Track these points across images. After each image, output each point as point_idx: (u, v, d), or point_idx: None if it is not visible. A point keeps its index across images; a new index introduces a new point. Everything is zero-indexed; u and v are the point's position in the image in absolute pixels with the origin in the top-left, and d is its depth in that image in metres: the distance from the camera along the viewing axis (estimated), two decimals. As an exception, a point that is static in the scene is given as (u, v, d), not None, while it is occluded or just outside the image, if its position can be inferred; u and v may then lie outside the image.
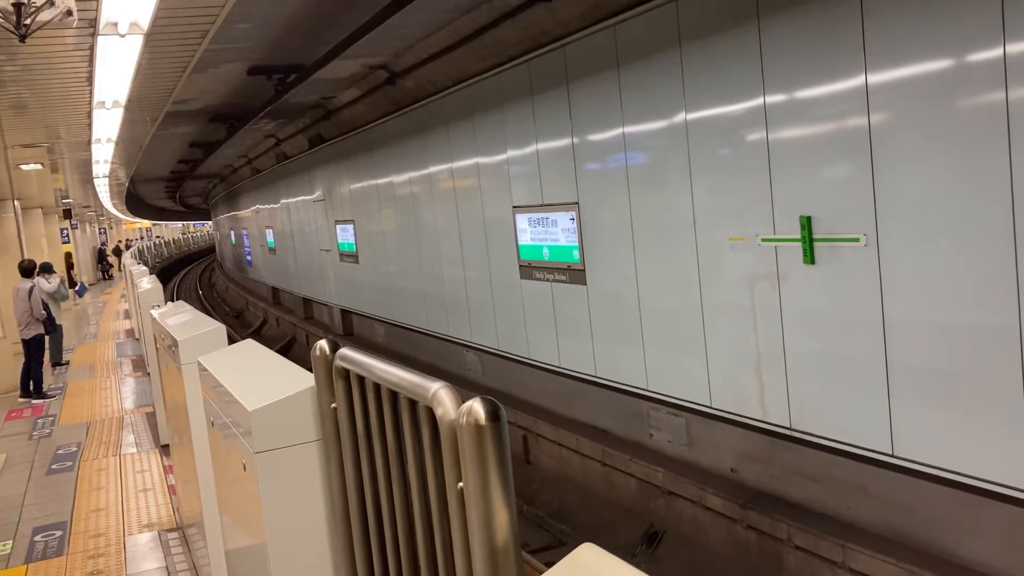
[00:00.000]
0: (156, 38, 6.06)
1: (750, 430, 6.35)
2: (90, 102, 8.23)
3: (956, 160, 4.59)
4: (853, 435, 5.46)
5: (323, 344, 2.32)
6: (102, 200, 25.84)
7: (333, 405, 2.30)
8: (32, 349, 11.26)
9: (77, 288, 27.18)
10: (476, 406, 1.50)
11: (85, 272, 33.37)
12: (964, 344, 4.70)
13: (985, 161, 4.43)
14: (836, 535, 5.63)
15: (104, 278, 37.95)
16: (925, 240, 4.81)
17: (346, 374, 2.21)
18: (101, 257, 39.32)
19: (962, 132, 4.53)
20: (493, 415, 1.49)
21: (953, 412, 4.82)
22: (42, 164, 13.55)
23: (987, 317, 4.56)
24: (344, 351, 2.21)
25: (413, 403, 1.84)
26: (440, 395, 1.67)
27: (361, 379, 2.12)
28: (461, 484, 1.58)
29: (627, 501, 7.70)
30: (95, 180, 17.94)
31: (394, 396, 1.95)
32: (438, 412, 1.66)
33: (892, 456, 5.19)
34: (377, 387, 2.03)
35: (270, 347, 3.39)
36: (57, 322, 13.72)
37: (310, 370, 2.46)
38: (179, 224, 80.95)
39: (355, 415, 2.20)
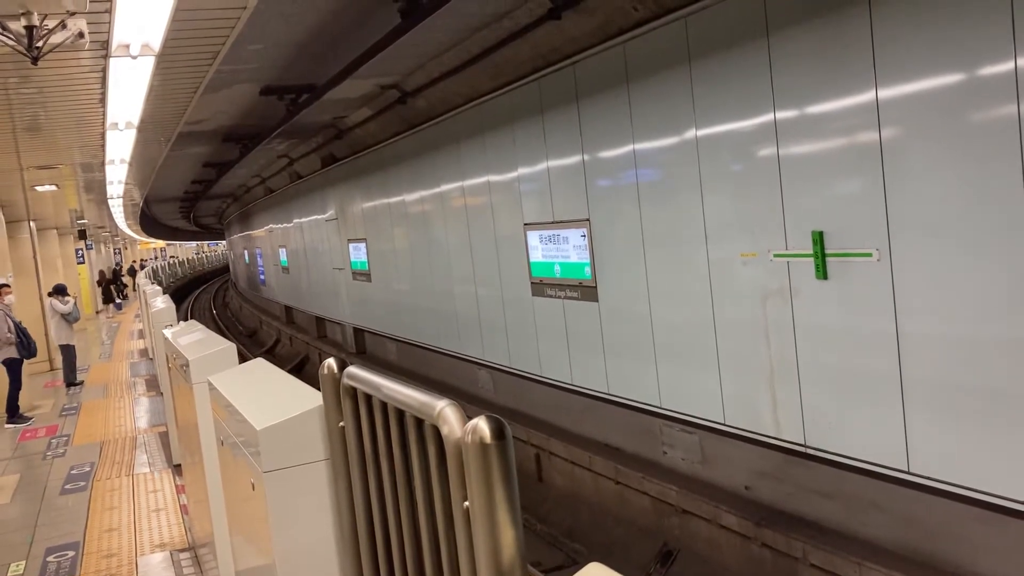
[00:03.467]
0: (168, 59, 6.11)
1: (764, 447, 6.30)
2: (103, 123, 8.29)
3: (968, 174, 4.56)
4: (868, 451, 5.41)
5: (331, 363, 2.32)
6: (117, 221, 26.01)
7: (341, 424, 2.30)
8: (8, 372, 11.19)
9: (117, 303, 29.03)
10: (481, 424, 1.49)
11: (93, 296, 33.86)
12: (981, 358, 4.66)
13: (997, 174, 4.40)
14: (852, 552, 5.57)
15: (119, 298, 38.17)
16: (938, 254, 4.78)
17: (354, 393, 2.20)
18: (116, 277, 39.59)
19: (974, 146, 4.51)
20: (498, 433, 1.48)
21: (971, 428, 4.76)
22: (57, 185, 13.65)
23: (1003, 330, 4.52)
24: (352, 369, 2.21)
25: (420, 421, 1.83)
26: (446, 413, 1.66)
27: (368, 398, 2.12)
28: (467, 503, 1.57)
29: (641, 519, 7.65)
30: (110, 201, 18.06)
31: (401, 415, 1.95)
32: (444, 430, 1.65)
33: (908, 473, 5.14)
34: (384, 406, 2.02)
35: (283, 366, 3.40)
36: (70, 343, 13.78)
37: (320, 389, 2.45)
38: (193, 244, 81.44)
39: (363, 434, 2.19)
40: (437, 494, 1.78)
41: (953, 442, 4.87)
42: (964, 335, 4.72)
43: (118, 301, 32.59)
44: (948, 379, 4.84)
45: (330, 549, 2.42)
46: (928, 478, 5.03)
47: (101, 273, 32.51)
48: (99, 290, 31.45)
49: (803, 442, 5.88)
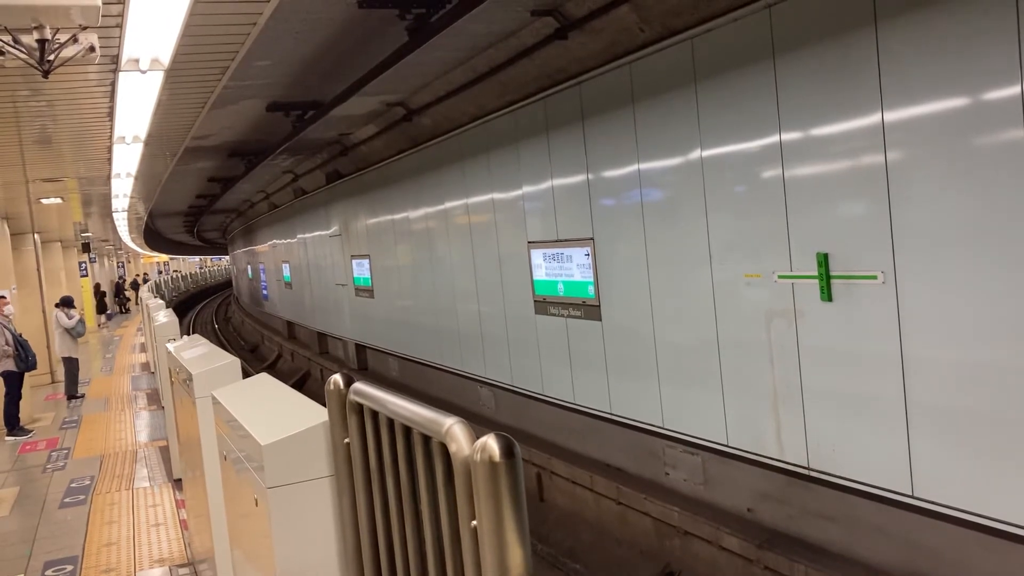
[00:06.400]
0: (177, 74, 6.14)
1: (767, 469, 6.27)
2: (111, 137, 8.33)
3: (974, 197, 4.56)
4: (871, 475, 5.38)
5: (337, 378, 2.31)
6: (120, 234, 26.06)
7: (346, 440, 2.29)
8: (5, 384, 11.18)
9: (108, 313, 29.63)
10: (490, 442, 1.49)
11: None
12: (986, 383, 4.64)
13: (1004, 198, 4.41)
14: (855, 577, 5.54)
15: (121, 311, 38.24)
16: (944, 278, 4.77)
17: (360, 409, 2.19)
18: (119, 290, 39.70)
19: (980, 169, 4.51)
20: (507, 451, 1.47)
21: (976, 453, 4.74)
22: (62, 198, 13.68)
23: (1009, 354, 4.51)
24: (358, 385, 2.20)
25: (427, 439, 1.83)
26: (454, 431, 1.65)
27: (375, 414, 2.11)
28: (475, 522, 1.56)
29: (642, 540, 7.60)
30: (114, 214, 18.11)
31: (407, 431, 1.94)
32: (452, 448, 1.64)
33: (911, 497, 5.11)
34: (391, 422, 2.02)
35: (284, 381, 3.38)
36: (73, 355, 13.77)
37: (324, 404, 2.44)
38: (196, 259, 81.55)
39: (368, 450, 2.18)
40: (444, 512, 1.76)
41: (957, 466, 4.84)
42: (969, 359, 4.71)
43: (109, 312, 32.84)
44: (953, 403, 4.82)
45: (333, 567, 2.41)
46: (932, 502, 5.00)
47: (97, 285, 32.73)
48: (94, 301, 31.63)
49: (806, 464, 5.85)
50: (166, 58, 5.45)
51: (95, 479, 8.42)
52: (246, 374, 4.20)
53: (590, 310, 8.20)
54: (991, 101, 4.42)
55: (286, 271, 23.42)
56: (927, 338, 4.92)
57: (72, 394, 13.73)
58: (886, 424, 5.20)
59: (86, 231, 21.73)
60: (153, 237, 35.49)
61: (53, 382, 16.08)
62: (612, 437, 8.32)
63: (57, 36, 3.93)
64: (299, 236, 20.89)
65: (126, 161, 10.16)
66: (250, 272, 32.64)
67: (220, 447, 3.39)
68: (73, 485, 8.28)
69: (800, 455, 5.88)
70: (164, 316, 9.79)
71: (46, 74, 3.98)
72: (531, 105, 8.71)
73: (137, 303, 34.91)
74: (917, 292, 4.93)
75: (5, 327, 11.24)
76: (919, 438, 5.03)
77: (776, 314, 5.94)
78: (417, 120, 11.18)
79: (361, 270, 15.62)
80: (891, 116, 4.92)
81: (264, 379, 3.54)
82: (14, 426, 11.16)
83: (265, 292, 28.50)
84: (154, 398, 12.78)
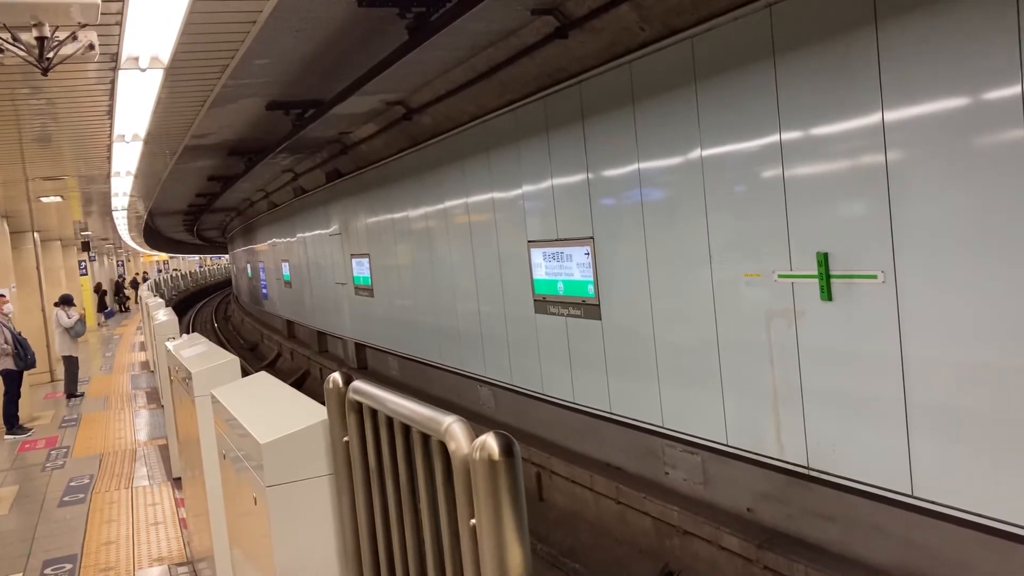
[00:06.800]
0: (176, 73, 6.13)
1: (767, 468, 6.27)
2: (110, 135, 8.32)
3: (974, 197, 4.56)
4: (871, 475, 5.38)
5: (336, 377, 2.30)
6: (120, 233, 26.05)
7: (345, 439, 2.28)
8: (4, 383, 11.17)
9: (108, 310, 29.88)
10: (489, 441, 1.48)
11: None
12: (986, 383, 4.64)
13: (1004, 198, 4.40)
14: (855, 577, 5.53)
15: (121, 310, 38.25)
16: (944, 277, 4.77)
17: (359, 407, 2.19)
18: (118, 289, 39.71)
19: (980, 169, 4.51)
20: (507, 450, 1.47)
21: (976, 453, 4.74)
22: (62, 197, 13.67)
23: (1009, 355, 4.50)
24: (357, 384, 2.19)
25: (426, 437, 1.82)
26: (453, 429, 1.65)
27: (374, 412, 2.10)
28: (474, 520, 1.55)
29: (642, 540, 7.60)
30: (114, 213, 18.10)
31: (407, 430, 1.93)
32: (451, 447, 1.63)
33: (911, 496, 5.11)
34: (390, 421, 2.01)
35: (284, 380, 3.37)
36: (73, 354, 13.76)
37: (323, 403, 2.44)
38: (196, 257, 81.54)
39: (367, 449, 2.18)
40: (443, 511, 1.76)
41: (957, 466, 4.84)
42: (969, 359, 4.70)
43: (108, 309, 33.01)
44: (953, 403, 4.82)
45: (332, 566, 2.40)
46: (931, 502, 5.00)
47: (98, 284, 32.90)
48: (95, 299, 31.72)
49: (806, 464, 5.85)
50: (166, 56, 5.44)
51: (94, 478, 8.41)
52: (245, 373, 4.19)
53: (590, 309, 8.19)
54: (991, 101, 4.42)
55: (286, 270, 23.42)
56: (927, 338, 4.92)
57: (72, 393, 13.73)
58: (886, 424, 5.20)
59: (86, 230, 21.72)
60: (153, 236, 35.48)
61: (52, 381, 16.07)
62: (612, 436, 8.31)
63: (56, 34, 3.93)
64: (299, 235, 20.89)
65: (126, 159, 10.15)
66: (250, 271, 32.64)
67: (219, 446, 3.39)
68: (72, 484, 8.27)
69: (800, 455, 5.88)
70: (164, 315, 9.78)
71: (45, 72, 3.98)
72: (531, 104, 8.70)
73: (137, 302, 34.93)
74: (917, 292, 4.93)
75: (4, 325, 11.24)
76: (919, 438, 5.03)
77: (776, 314, 5.93)
78: (417, 119, 11.17)
79: (361, 269, 15.61)
80: (891, 116, 4.91)
81: (263, 378, 3.54)
82: (13, 425, 11.16)
83: (265, 291, 28.50)
84: (153, 397, 12.78)
